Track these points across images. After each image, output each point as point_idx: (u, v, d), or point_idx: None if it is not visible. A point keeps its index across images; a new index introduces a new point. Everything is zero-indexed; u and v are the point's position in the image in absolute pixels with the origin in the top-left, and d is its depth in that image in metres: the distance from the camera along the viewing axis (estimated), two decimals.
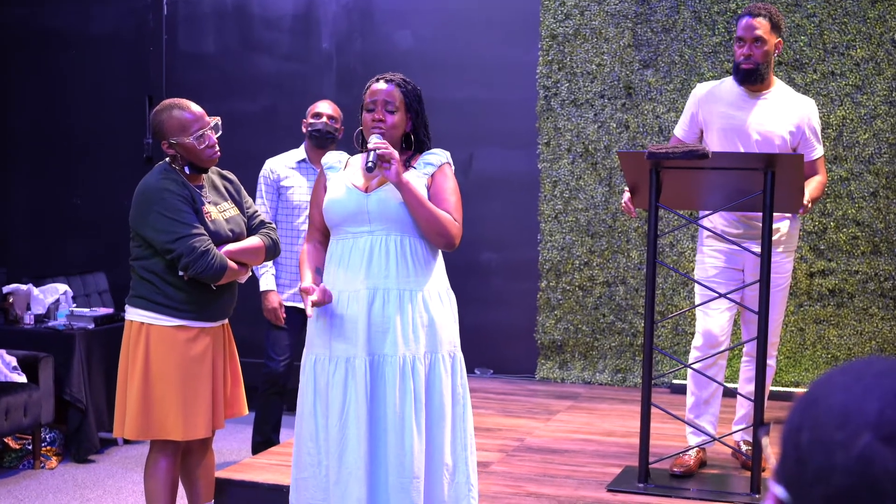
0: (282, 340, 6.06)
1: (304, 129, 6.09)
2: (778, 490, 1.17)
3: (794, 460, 1.15)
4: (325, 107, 6.06)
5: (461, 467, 4.02)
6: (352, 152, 4.27)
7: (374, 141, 3.89)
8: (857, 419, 1.11)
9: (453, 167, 4.13)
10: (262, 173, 6.06)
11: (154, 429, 4.32)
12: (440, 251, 4.10)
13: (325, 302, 3.88)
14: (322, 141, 5.97)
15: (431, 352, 3.94)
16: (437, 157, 4.08)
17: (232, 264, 4.32)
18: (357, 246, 3.96)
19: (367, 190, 4.00)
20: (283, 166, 6.05)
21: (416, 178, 3.97)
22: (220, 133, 4.41)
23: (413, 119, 4.07)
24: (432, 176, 4.04)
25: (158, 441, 4.40)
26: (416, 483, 3.85)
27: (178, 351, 4.29)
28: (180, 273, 4.25)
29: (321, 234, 4.16)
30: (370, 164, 3.82)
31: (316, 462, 3.96)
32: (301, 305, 5.97)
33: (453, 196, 4.04)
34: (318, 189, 4.16)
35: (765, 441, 1.33)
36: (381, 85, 4.03)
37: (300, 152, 6.11)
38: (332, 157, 4.20)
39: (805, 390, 1.20)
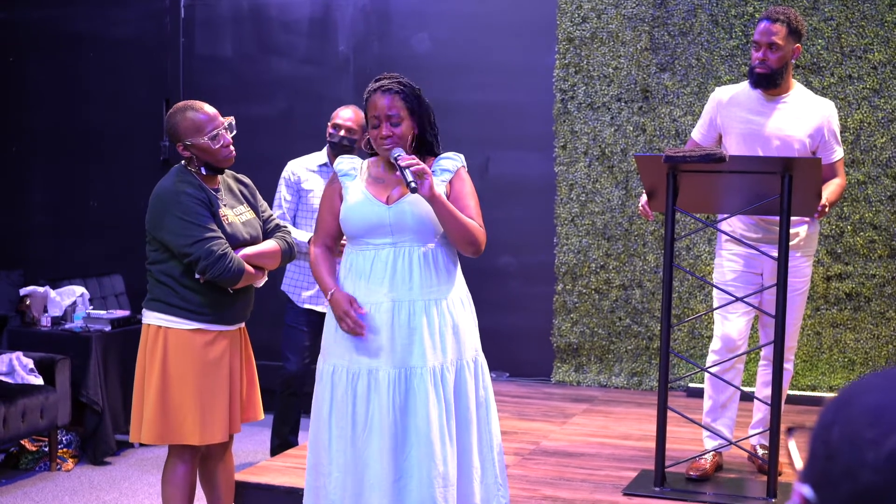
0: (299, 342, 6.06)
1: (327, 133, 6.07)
2: (805, 489, 1.17)
3: (823, 457, 1.15)
4: (346, 115, 5.96)
5: (489, 469, 4.03)
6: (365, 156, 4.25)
7: (404, 160, 3.81)
8: (889, 418, 1.11)
9: (467, 168, 4.13)
10: (283, 174, 6.04)
11: (171, 434, 4.30)
12: (458, 257, 4.10)
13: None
14: (339, 150, 5.95)
15: (457, 359, 3.94)
16: (453, 161, 4.06)
17: (249, 268, 4.32)
18: (379, 258, 3.94)
19: (387, 201, 3.98)
20: (303, 168, 6.03)
21: (437, 185, 3.93)
22: (234, 132, 4.41)
23: (418, 121, 4.02)
24: (450, 182, 4.03)
25: (176, 446, 4.39)
26: (452, 490, 3.85)
27: (196, 354, 4.29)
28: (197, 276, 4.25)
29: (331, 240, 4.13)
30: (413, 185, 3.75)
31: (327, 472, 3.94)
32: (319, 308, 5.98)
33: (473, 200, 4.03)
34: (332, 195, 4.12)
35: (791, 444, 1.33)
36: (381, 98, 3.94)
37: (322, 155, 6.09)
38: (346, 163, 4.14)
39: (840, 391, 1.20)
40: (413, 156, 3.88)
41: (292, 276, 6.09)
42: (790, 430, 1.36)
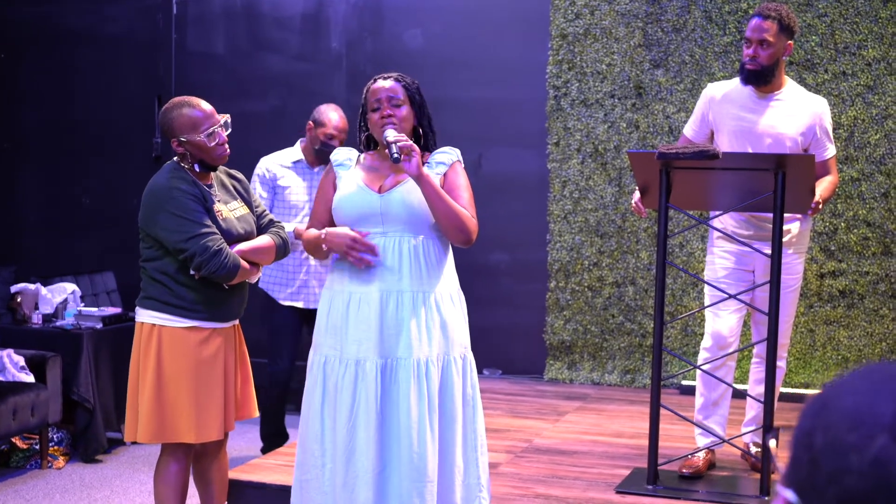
0: (284, 340, 6.09)
1: (308, 133, 6.03)
2: (788, 494, 1.16)
3: (806, 463, 1.14)
4: (337, 123, 5.93)
5: (472, 469, 4.01)
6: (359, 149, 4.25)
7: (393, 135, 3.86)
8: (870, 421, 1.10)
9: (463, 164, 4.13)
10: (256, 171, 6.02)
11: (167, 432, 4.28)
12: (451, 252, 4.08)
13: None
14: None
15: (444, 354, 3.93)
16: (448, 155, 4.07)
17: (244, 264, 4.30)
18: None
19: (380, 190, 3.98)
20: (277, 165, 6.03)
21: (431, 176, 3.94)
22: (229, 130, 4.39)
23: (417, 112, 4.06)
24: (444, 174, 4.03)
25: (170, 444, 4.36)
26: (431, 486, 3.83)
27: (191, 352, 4.26)
28: (192, 273, 4.22)
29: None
30: (396, 156, 3.77)
31: (320, 465, 3.94)
32: (299, 305, 6.00)
33: (466, 192, 4.03)
34: (327, 185, 4.13)
35: (772, 444, 1.33)
36: (382, 83, 4.02)
37: (296, 152, 6.07)
38: (343, 154, 4.16)
39: (815, 394, 1.19)
40: (405, 136, 3.89)
41: (271, 273, 6.07)
42: (770, 432, 1.35)
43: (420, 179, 3.85)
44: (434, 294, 3.94)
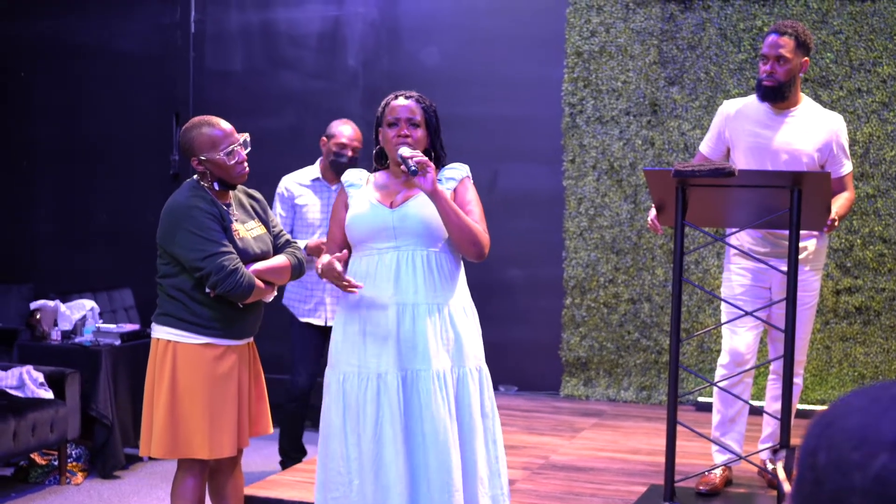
0: (306, 356, 6.12)
1: (322, 148, 6.09)
2: None
3: (810, 482, 1.15)
4: (350, 134, 6.01)
5: (495, 479, 4.03)
6: (370, 169, 4.28)
7: (408, 151, 3.90)
8: (874, 440, 1.11)
9: (472, 179, 4.16)
10: (278, 190, 6.10)
11: (181, 447, 4.30)
12: (462, 266, 4.11)
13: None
14: (345, 169, 6.03)
15: (459, 366, 3.95)
16: (458, 171, 4.12)
17: (259, 283, 4.32)
18: (383, 262, 3.97)
19: (391, 206, 4.01)
20: (295, 184, 6.08)
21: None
22: (249, 149, 4.42)
23: (431, 135, 4.10)
24: (455, 190, 4.06)
25: (186, 460, 4.38)
26: (458, 496, 3.86)
27: (205, 369, 4.28)
28: (208, 291, 4.25)
29: (341, 252, 4.15)
30: (413, 168, 3.82)
31: (347, 482, 3.94)
32: (316, 321, 6.03)
33: (477, 207, 4.07)
34: (339, 206, 4.17)
35: (778, 466, 1.34)
36: (403, 101, 4.06)
37: (315, 170, 6.13)
38: (353, 175, 4.21)
39: (820, 413, 1.20)
40: (420, 152, 3.94)
41: (292, 289, 6.14)
42: (776, 452, 1.37)
43: (434, 195, 3.88)
44: (448, 306, 3.97)
